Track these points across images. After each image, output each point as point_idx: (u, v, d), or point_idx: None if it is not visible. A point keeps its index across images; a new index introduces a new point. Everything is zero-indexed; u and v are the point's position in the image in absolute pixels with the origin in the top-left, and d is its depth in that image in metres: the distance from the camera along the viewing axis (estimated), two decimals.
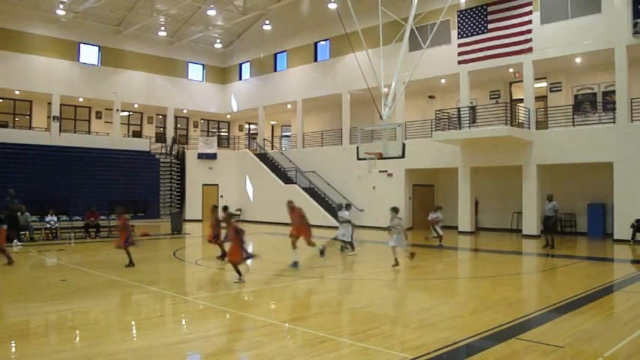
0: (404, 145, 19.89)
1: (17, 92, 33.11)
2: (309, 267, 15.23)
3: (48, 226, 22.74)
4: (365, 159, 20.64)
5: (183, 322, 9.04)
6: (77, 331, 8.10)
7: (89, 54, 35.46)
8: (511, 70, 26.20)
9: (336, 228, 28.81)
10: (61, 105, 33.96)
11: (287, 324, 8.48)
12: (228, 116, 42.80)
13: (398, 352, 6.84)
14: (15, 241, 19.98)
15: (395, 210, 14.98)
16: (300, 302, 10.54)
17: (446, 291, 12.01)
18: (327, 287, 12.12)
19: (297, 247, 14.97)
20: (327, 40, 33.99)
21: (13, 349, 7.29)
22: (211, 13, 33.27)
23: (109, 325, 8.56)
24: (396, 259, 14.51)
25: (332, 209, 30.62)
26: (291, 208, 15.56)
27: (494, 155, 25.00)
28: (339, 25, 23.90)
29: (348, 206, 19.55)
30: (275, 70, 37.96)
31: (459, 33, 26.57)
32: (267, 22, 34.65)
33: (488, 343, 7.24)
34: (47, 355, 6.90)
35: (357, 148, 21.36)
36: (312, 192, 31.85)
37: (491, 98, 28.33)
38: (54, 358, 6.75)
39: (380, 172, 28.18)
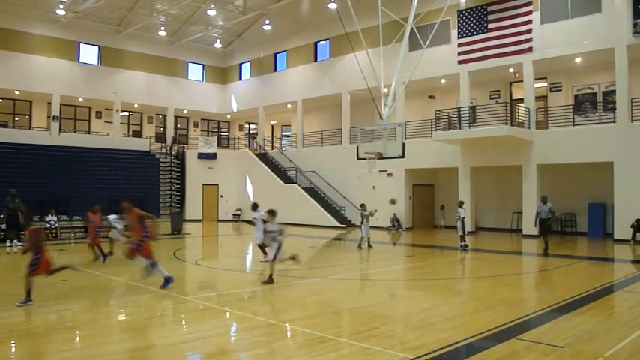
0: (404, 145, 19.90)
1: (17, 92, 33.10)
2: (310, 267, 15.22)
3: (48, 226, 22.72)
4: (365, 159, 20.66)
5: (183, 322, 9.04)
6: (77, 331, 8.10)
7: (89, 54, 35.45)
8: (511, 70, 26.21)
9: (336, 228, 29.01)
10: (61, 105, 33.96)
11: (287, 324, 8.48)
12: (228, 116, 42.81)
13: (398, 352, 6.84)
14: (15, 241, 19.98)
15: (272, 213, 12.91)
16: (300, 302, 10.54)
17: (446, 291, 12.00)
18: (327, 287, 12.11)
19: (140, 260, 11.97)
20: (327, 40, 34.00)
21: (13, 349, 7.29)
22: (211, 13, 33.27)
23: (108, 326, 8.56)
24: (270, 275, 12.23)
25: (332, 209, 30.66)
26: (128, 209, 11.97)
27: (495, 155, 25.00)
28: (339, 25, 23.92)
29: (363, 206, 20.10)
30: (275, 70, 37.97)
31: (459, 33, 26.57)
32: (267, 22, 34.65)
33: (489, 343, 7.24)
34: (47, 354, 6.90)
35: (357, 148, 21.38)
36: (312, 192, 31.86)
37: (491, 98, 28.34)
38: (54, 357, 6.75)
39: (380, 172, 28.19)
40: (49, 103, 33.74)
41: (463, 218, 19.02)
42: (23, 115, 35.43)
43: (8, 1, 30.41)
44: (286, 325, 8.42)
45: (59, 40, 33.71)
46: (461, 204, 19.47)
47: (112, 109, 36.21)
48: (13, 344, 7.49)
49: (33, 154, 29.98)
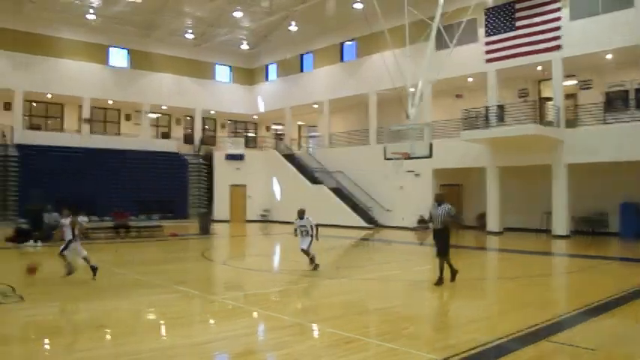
0: (431, 144, 19.77)
1: (49, 96, 33.73)
2: (336, 267, 15.22)
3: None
4: (392, 159, 20.59)
5: (211, 322, 9.12)
6: (105, 330, 8.21)
7: (118, 57, 35.98)
8: (539, 68, 25.84)
9: (363, 228, 28.95)
10: (91, 107, 34.52)
11: (314, 324, 8.49)
12: (255, 117, 43.01)
13: (425, 354, 6.80)
14: (31, 241, 20.10)
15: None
16: (327, 302, 10.55)
17: (473, 292, 11.90)
18: (354, 287, 12.09)
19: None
20: (354, 40, 33.97)
21: (44, 347, 7.44)
22: (237, 14, 33.46)
23: (135, 325, 8.66)
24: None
25: (359, 209, 30.62)
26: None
27: (523, 154, 24.66)
28: (366, 25, 23.90)
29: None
30: (301, 71, 38.06)
31: (486, 31, 26.30)
32: (292, 22, 34.72)
33: (517, 345, 7.15)
34: (76, 352, 7.01)
35: (384, 148, 21.30)
36: (339, 192, 31.84)
37: (519, 97, 27.99)
38: (82, 355, 6.86)
39: (407, 172, 28.04)
40: (80, 106, 34.32)
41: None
42: (55, 117, 36.10)
43: (39, 7, 30.97)
44: (313, 325, 8.43)
45: (89, 44, 34.28)
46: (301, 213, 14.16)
47: (140, 111, 36.70)
48: (46, 341, 7.64)
49: (65, 156, 30.48)
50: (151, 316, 9.49)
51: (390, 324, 8.54)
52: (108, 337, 7.95)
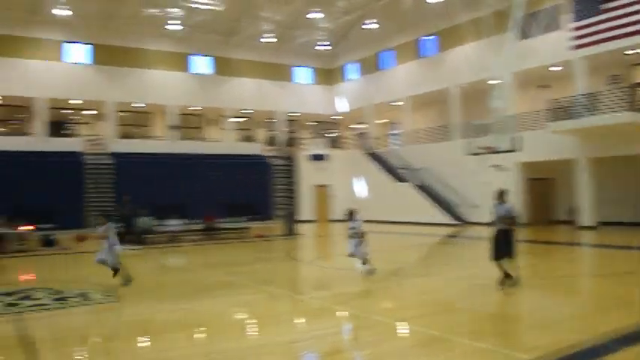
0: (517, 137, 19.21)
1: (138, 105, 35.36)
2: (424, 265, 15.09)
3: (169, 229, 23.92)
4: (477, 154, 20.17)
5: (298, 321, 9.27)
6: (196, 329, 8.53)
7: (201, 64, 37.18)
8: (633, 51, 24.47)
9: (450, 225, 28.52)
10: (177, 114, 35.88)
11: (401, 322, 8.46)
12: (337, 117, 43.19)
13: (516, 353, 6.64)
14: (125, 244, 20.93)
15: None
16: (414, 301, 10.47)
17: (566, 289, 11.47)
18: (441, 286, 11.95)
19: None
20: (433, 34, 33.48)
21: (139, 345, 7.84)
22: (315, 15, 33.77)
23: (225, 324, 8.92)
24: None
25: (446, 206, 30.17)
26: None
27: (617, 144, 23.46)
28: (445, 19, 23.52)
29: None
30: (381, 68, 37.93)
31: (572, 16, 25.15)
32: (371, 20, 34.64)
33: (613, 346, 6.84)
34: (169, 350, 7.31)
35: (468, 142, 20.91)
36: (425, 189, 31.49)
37: (610, 83, 26.64)
38: (175, 354, 7.15)
39: (492, 166, 27.34)
40: (167, 114, 35.77)
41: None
42: (143, 125, 37.89)
43: (124, 21, 32.56)
44: (399, 324, 8.39)
45: (172, 53, 35.68)
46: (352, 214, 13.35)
47: (224, 116, 37.76)
48: (141, 340, 8.04)
49: (154, 162, 31.80)
50: (240, 316, 9.75)
51: (478, 323, 8.39)
52: (199, 335, 8.25)
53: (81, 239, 13.11)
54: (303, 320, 9.27)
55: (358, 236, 12.54)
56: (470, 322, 8.66)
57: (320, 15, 34.20)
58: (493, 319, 8.64)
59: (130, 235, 21.40)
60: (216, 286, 12.51)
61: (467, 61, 25.94)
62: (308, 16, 34.37)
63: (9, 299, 10.66)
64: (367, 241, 12.66)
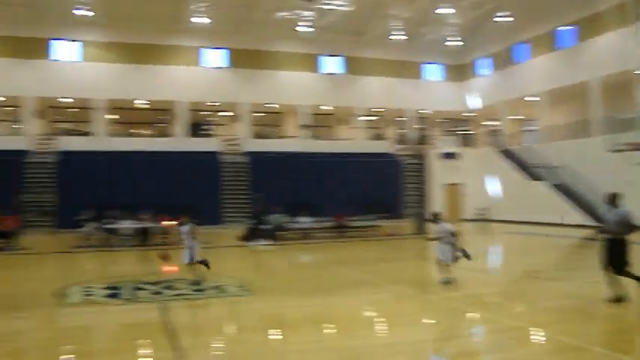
0: None
1: (271, 105, 36.65)
2: (566, 269, 14.35)
3: (300, 226, 24.53)
4: (620, 150, 18.83)
5: (428, 321, 9.17)
6: (326, 325, 8.69)
7: (331, 64, 37.80)
8: None
9: (589, 227, 26.78)
10: (308, 114, 36.76)
11: (534, 328, 8.11)
12: (469, 113, 42.08)
13: None
14: (259, 240, 21.86)
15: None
16: (550, 306, 9.94)
17: None
18: (579, 291, 11.26)
19: None
20: (571, 24, 31.59)
21: (270, 337, 8.16)
22: (445, 11, 33.13)
23: (355, 321, 8.98)
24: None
25: (584, 207, 28.42)
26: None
27: None
28: (583, 8, 22.12)
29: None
30: (514, 63, 36.43)
31: None
32: (503, 12, 33.38)
33: None
34: (299, 344, 7.50)
35: (610, 139, 19.56)
36: (562, 188, 29.85)
37: None
38: (305, 348, 7.33)
39: (638, 164, 25.34)
40: (299, 114, 36.77)
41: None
42: (276, 125, 39.33)
43: (257, 25, 33.85)
44: (534, 329, 8.04)
45: (303, 54, 36.59)
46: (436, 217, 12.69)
47: (355, 115, 38.12)
48: (272, 333, 8.36)
49: (286, 161, 32.76)
50: (370, 313, 9.80)
51: (621, 333, 7.85)
52: (328, 331, 8.39)
53: (164, 257, 13.73)
54: (434, 321, 9.15)
55: (445, 241, 11.66)
56: (611, 332, 8.11)
57: (450, 10, 33.49)
58: (635, 328, 8.04)
59: (262, 232, 22.31)
60: (346, 283, 12.66)
61: (609, 51, 24.11)
62: (437, 11, 33.77)
63: (154, 288, 11.54)
64: (457, 245, 11.69)
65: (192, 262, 12.21)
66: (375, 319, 9.38)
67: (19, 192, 26.79)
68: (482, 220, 34.67)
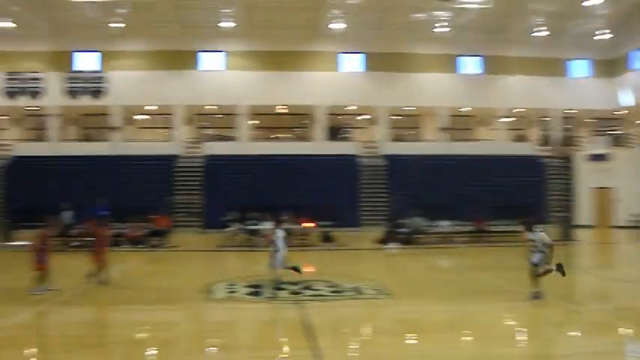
0: None
1: (408, 108, 36.46)
2: None
3: (438, 230, 24.06)
4: None
5: (573, 334, 8.67)
6: (463, 332, 8.50)
7: (470, 65, 36.80)
8: None
9: None
10: (446, 116, 36.06)
11: None
12: (620, 111, 39.10)
13: None
14: (393, 244, 21.73)
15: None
16: None
17: None
18: None
19: None
20: None
21: (405, 342, 8.10)
22: (592, 2, 31.07)
23: (492, 329, 8.75)
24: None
25: None
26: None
27: None
28: None
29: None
30: None
31: None
32: None
33: None
34: (434, 350, 7.45)
35: None
36: None
37: None
38: (440, 354, 7.24)
39: None
40: (436, 116, 36.21)
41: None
42: (414, 128, 39.06)
43: (393, 28, 33.76)
44: None
45: (439, 55, 35.92)
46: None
47: (495, 116, 36.84)
48: (407, 337, 8.30)
49: (424, 164, 32.30)
50: (509, 322, 9.47)
51: None
52: (465, 338, 8.24)
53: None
54: (579, 334, 8.64)
55: (538, 250, 11.08)
56: None
57: (598, 1, 31.35)
58: None
59: (398, 235, 22.21)
60: (484, 289, 12.32)
61: None
62: (584, 4, 31.77)
63: (294, 288, 11.91)
64: (550, 256, 11.09)
65: (283, 267, 12.32)
66: (513, 328, 9.06)
67: (170, 194, 28.93)
68: (637, 227, 32.03)
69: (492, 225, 24.46)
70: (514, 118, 38.74)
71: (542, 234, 11.36)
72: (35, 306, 10.54)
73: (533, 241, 11.29)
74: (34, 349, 8.19)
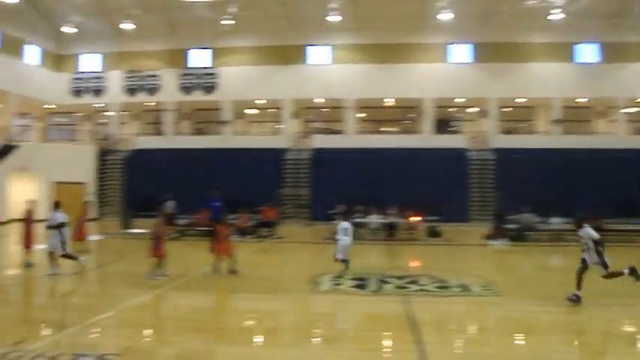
0: None
1: (520, 99, 35.09)
2: None
3: (551, 227, 23.04)
4: None
5: None
6: (573, 334, 8.23)
7: (586, 53, 34.73)
8: None
9: None
10: (561, 107, 34.33)
11: None
12: None
13: None
14: (500, 239, 21.12)
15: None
16: None
17: None
18: None
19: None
20: None
21: (513, 342, 7.87)
22: None
23: (608, 333, 8.38)
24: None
25: None
26: None
27: None
28: None
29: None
30: None
31: None
32: None
33: None
34: (541, 352, 7.26)
35: None
36: None
37: None
38: (549, 357, 7.00)
39: None
40: (550, 107, 34.60)
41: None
42: (526, 120, 37.63)
43: (503, 17, 32.48)
44: None
45: (554, 44, 34.16)
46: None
47: (615, 107, 34.56)
48: (515, 337, 8.06)
49: (536, 157, 30.96)
50: (625, 328, 8.97)
51: None
52: (577, 341, 7.92)
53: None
54: None
55: (587, 247, 10.61)
56: None
57: None
58: None
59: (507, 231, 21.52)
60: (595, 291, 11.64)
61: None
62: None
63: (399, 282, 11.90)
64: (597, 252, 10.49)
65: (344, 260, 13.36)
66: (634, 336, 8.52)
67: (279, 186, 29.68)
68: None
69: (611, 223, 23.00)
70: (636, 109, 36.19)
71: (589, 230, 10.82)
72: (152, 290, 11.23)
73: (581, 238, 10.84)
74: (150, 330, 8.80)
